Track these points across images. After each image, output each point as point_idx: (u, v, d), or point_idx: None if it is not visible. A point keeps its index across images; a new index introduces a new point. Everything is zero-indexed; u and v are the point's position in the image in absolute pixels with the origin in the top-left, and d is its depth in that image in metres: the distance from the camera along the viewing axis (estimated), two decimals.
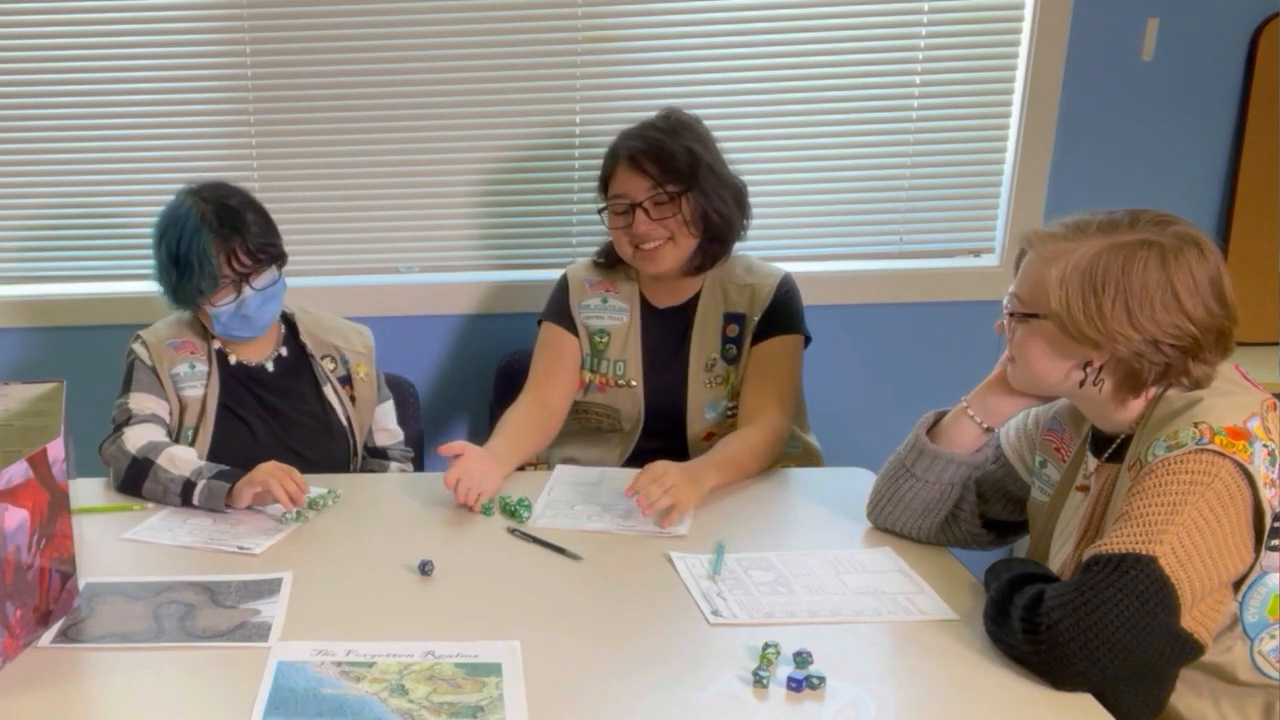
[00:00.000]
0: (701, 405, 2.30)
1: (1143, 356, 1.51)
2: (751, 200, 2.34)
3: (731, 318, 2.30)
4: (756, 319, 2.27)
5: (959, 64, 2.75)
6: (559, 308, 2.39)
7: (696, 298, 2.33)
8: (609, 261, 2.38)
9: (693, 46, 2.72)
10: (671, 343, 2.33)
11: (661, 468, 1.96)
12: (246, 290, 2.18)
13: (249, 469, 2.02)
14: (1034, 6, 2.69)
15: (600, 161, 2.60)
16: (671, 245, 2.22)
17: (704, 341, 2.30)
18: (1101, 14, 2.70)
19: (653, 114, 2.31)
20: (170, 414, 2.24)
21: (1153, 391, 1.56)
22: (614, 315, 2.36)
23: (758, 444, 2.17)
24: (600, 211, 2.31)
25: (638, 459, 2.25)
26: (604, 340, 2.35)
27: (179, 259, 2.16)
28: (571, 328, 2.37)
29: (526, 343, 2.83)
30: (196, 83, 2.72)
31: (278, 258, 2.22)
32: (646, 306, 2.36)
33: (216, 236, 2.14)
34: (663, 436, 2.33)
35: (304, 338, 2.34)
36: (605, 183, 2.29)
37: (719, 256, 2.29)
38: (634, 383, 2.34)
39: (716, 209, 2.22)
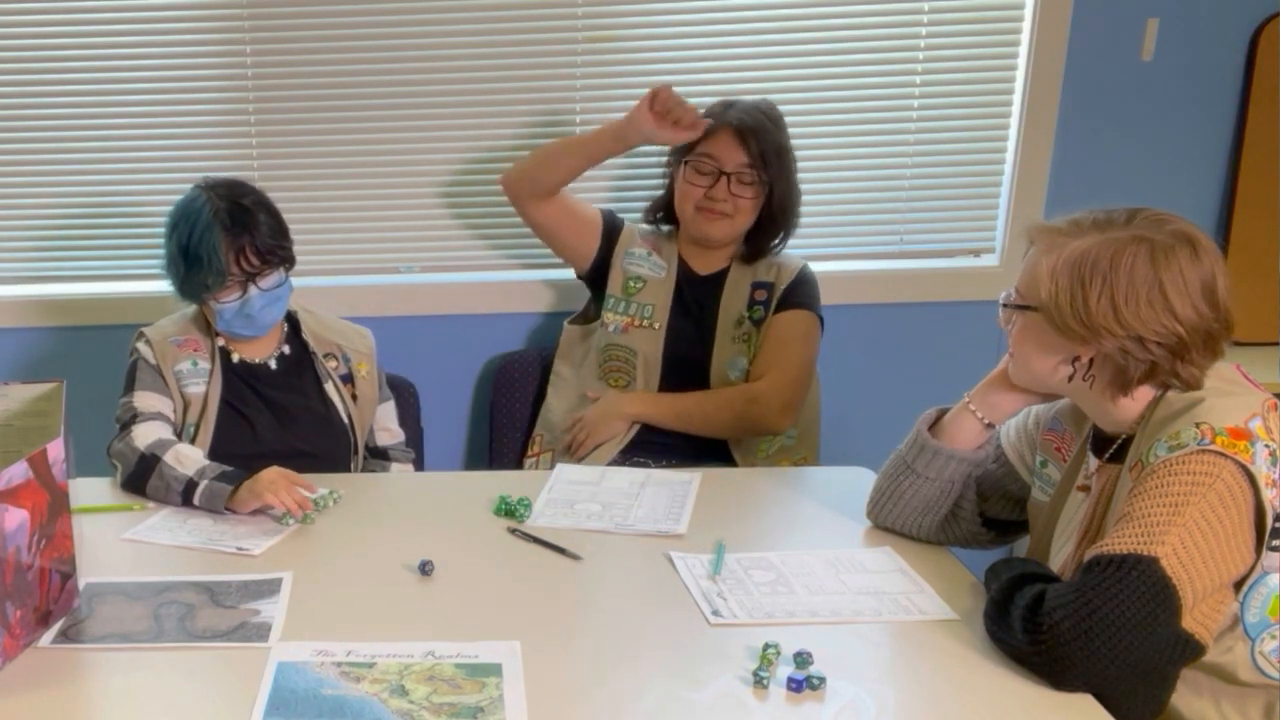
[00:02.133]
0: (725, 361, 2.41)
1: (1128, 354, 1.51)
2: None
3: (759, 285, 2.44)
4: (783, 288, 2.41)
5: (959, 64, 2.75)
6: (608, 215, 2.54)
7: (729, 267, 2.46)
8: (660, 217, 2.51)
9: (693, 46, 2.72)
10: (704, 300, 2.45)
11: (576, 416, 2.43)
12: (252, 290, 2.18)
13: (250, 466, 2.02)
14: (1034, 6, 2.69)
15: None
16: (729, 221, 2.38)
17: (734, 299, 2.43)
18: (1101, 14, 2.70)
19: (752, 97, 2.45)
20: (174, 411, 2.24)
21: (1151, 392, 1.56)
22: (654, 268, 2.49)
23: (734, 394, 2.36)
24: (679, 164, 2.39)
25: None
26: (638, 285, 2.47)
27: (188, 252, 2.17)
28: (609, 231, 2.51)
29: (527, 343, 2.84)
30: (196, 82, 2.72)
31: (286, 260, 2.23)
32: (685, 269, 2.48)
33: (227, 234, 2.15)
34: (682, 389, 2.43)
35: (306, 336, 2.35)
36: (694, 140, 2.37)
37: (760, 251, 2.44)
38: (657, 325, 2.43)
39: (785, 206, 2.39)
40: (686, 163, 2.38)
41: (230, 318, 2.22)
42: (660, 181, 2.54)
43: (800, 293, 2.42)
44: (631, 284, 2.47)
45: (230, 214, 2.16)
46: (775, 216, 2.40)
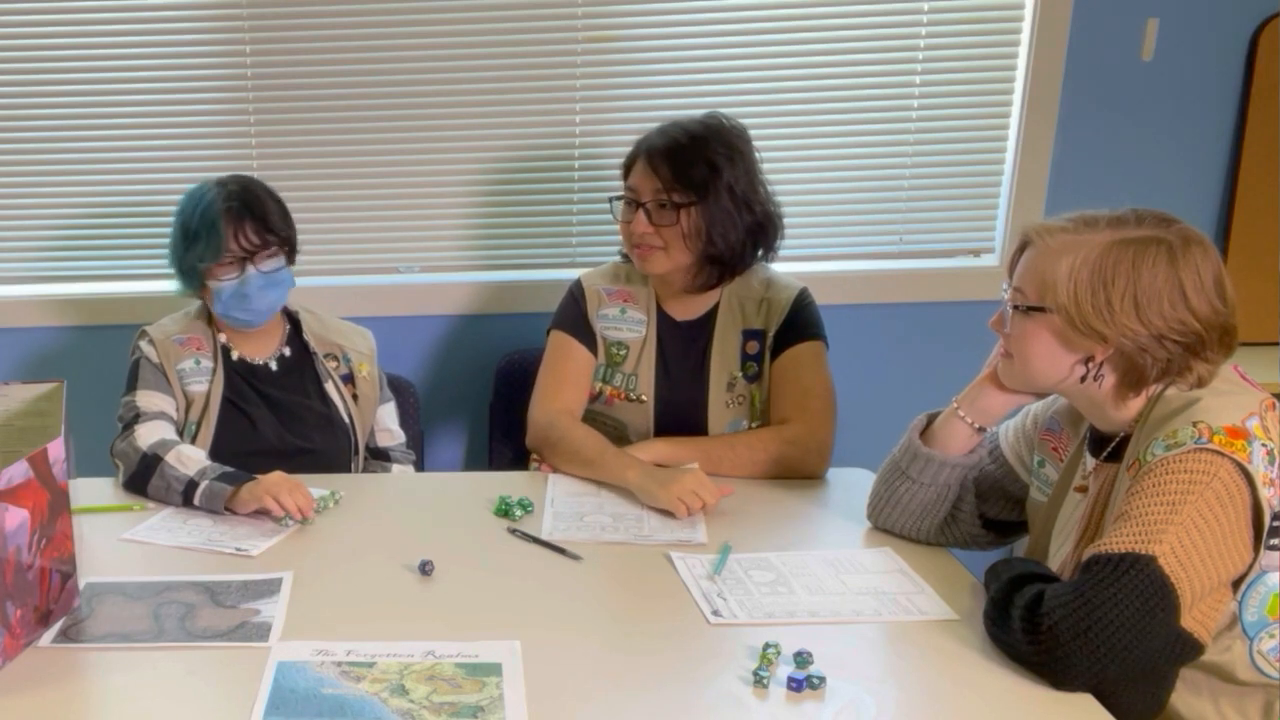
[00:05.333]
0: (723, 426, 2.24)
1: (1146, 352, 1.51)
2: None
3: (751, 334, 2.24)
4: (773, 333, 2.22)
5: (959, 64, 2.76)
6: (572, 318, 2.31)
7: (714, 312, 2.25)
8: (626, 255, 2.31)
9: (693, 47, 2.72)
10: (691, 359, 2.26)
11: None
12: (250, 269, 2.19)
13: (252, 464, 2.02)
14: (1034, 6, 2.70)
15: (599, 162, 2.59)
16: (664, 254, 2.17)
17: (724, 359, 2.24)
18: (1101, 14, 2.70)
19: (700, 112, 2.24)
20: (177, 410, 2.25)
21: (1152, 390, 1.56)
22: (632, 327, 2.28)
23: (767, 435, 2.16)
24: (611, 200, 2.26)
25: None
26: (621, 353, 2.28)
27: (189, 232, 2.20)
28: (586, 339, 2.29)
29: (526, 343, 2.84)
30: (196, 82, 2.72)
31: (286, 244, 2.24)
32: (664, 319, 2.28)
33: (228, 210, 2.18)
34: None
35: (307, 336, 2.35)
36: (626, 171, 2.23)
37: (720, 279, 2.22)
38: (644, 398, 2.26)
39: (722, 232, 2.14)
40: (618, 199, 2.24)
41: (228, 299, 2.21)
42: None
43: (797, 328, 2.21)
44: (614, 350, 2.27)
45: (234, 195, 2.19)
46: (710, 243, 2.15)
